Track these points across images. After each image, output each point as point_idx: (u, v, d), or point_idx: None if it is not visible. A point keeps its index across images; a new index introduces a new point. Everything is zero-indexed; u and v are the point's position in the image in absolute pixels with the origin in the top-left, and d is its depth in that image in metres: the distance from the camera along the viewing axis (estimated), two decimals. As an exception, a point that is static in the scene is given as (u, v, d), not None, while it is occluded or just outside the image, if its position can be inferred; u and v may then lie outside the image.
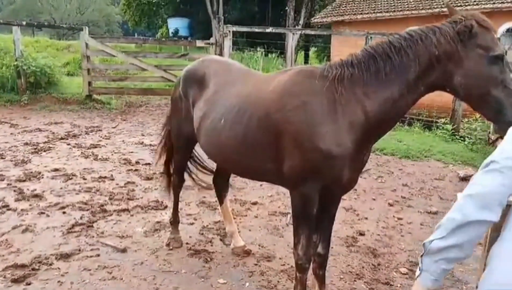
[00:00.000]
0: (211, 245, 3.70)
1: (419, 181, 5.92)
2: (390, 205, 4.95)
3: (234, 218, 3.88)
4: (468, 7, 14.46)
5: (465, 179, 5.93)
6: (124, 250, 3.51)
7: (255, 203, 4.68)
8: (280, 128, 2.37)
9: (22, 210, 4.21)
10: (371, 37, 8.65)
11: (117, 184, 5.11)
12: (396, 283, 3.27)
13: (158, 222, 4.09)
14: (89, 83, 10.67)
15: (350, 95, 2.23)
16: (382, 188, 5.55)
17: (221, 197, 3.68)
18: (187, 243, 3.69)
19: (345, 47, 15.20)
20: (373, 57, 2.20)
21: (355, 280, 3.27)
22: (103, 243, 3.60)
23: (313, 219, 2.47)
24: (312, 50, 28.94)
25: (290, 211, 2.72)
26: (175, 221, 3.71)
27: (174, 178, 3.69)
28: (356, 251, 3.74)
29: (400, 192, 5.43)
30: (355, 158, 2.31)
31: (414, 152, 7.27)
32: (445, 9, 14.98)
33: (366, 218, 4.48)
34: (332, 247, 3.49)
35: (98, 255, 3.42)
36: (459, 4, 14.81)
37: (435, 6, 15.34)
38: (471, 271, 3.45)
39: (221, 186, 3.67)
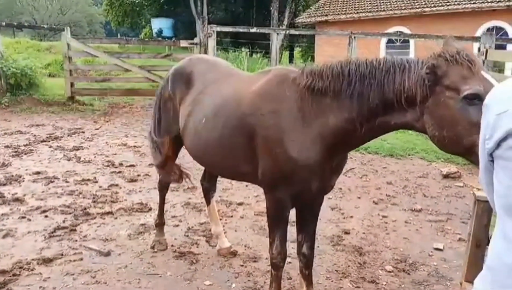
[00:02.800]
0: (197, 247, 3.67)
1: (403, 179, 5.97)
2: (375, 203, 4.98)
3: (220, 219, 3.86)
4: (450, 7, 14.68)
5: (448, 176, 6.01)
6: (108, 254, 3.46)
7: (241, 204, 4.67)
8: (253, 131, 2.40)
9: (2, 214, 4.12)
10: (354, 37, 8.71)
11: (100, 187, 5.04)
12: (381, 281, 3.29)
13: (142, 224, 4.05)
14: (71, 84, 10.51)
15: (318, 107, 2.22)
16: (366, 186, 5.59)
17: (208, 197, 3.65)
18: (172, 246, 3.65)
19: (329, 46, 15.31)
20: (342, 75, 2.15)
21: (341, 279, 3.28)
22: (86, 247, 3.54)
23: (287, 221, 2.54)
24: (297, 50, 29.06)
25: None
26: (160, 223, 3.67)
27: (161, 179, 3.65)
28: (342, 249, 3.75)
29: (385, 190, 5.46)
30: (323, 168, 2.32)
31: (398, 150, 7.34)
32: (427, 9, 15.22)
33: (351, 217, 4.51)
34: (318, 246, 3.50)
35: (81, 259, 3.36)
36: (440, 4, 15.03)
37: (417, 6, 15.55)
38: (455, 267, 3.49)
39: (208, 187, 3.65)
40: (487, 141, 1.20)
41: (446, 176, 6.09)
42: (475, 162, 1.61)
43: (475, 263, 2.42)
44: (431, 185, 5.74)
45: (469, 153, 1.74)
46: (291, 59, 25.78)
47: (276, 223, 2.52)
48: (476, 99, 1.66)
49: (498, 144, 1.15)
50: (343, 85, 2.13)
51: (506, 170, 1.16)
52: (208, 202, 3.65)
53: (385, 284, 3.25)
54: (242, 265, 3.39)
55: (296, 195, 2.42)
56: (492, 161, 1.23)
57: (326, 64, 2.26)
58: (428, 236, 4.13)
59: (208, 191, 3.64)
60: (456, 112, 1.73)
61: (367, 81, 2.05)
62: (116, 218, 4.19)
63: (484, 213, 2.46)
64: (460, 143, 1.76)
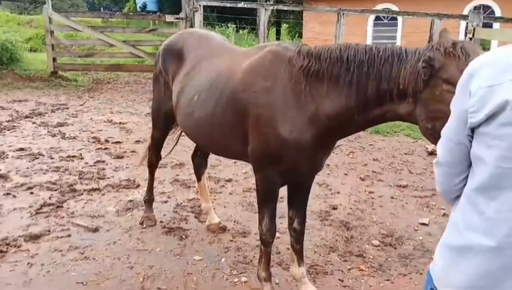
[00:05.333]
0: (186, 223, 3.67)
1: (389, 156, 6.03)
2: (362, 179, 5.03)
3: (209, 195, 3.85)
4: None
5: (433, 153, 6.08)
6: (96, 230, 3.44)
7: (229, 180, 4.67)
8: (245, 109, 2.37)
9: (-14, 191, 4.05)
10: (343, 13, 8.63)
11: (86, 163, 4.98)
12: (368, 255, 3.35)
13: (130, 201, 4.02)
14: (54, 59, 10.25)
15: (313, 90, 2.18)
16: (353, 163, 5.63)
17: (199, 174, 3.63)
18: (161, 221, 3.65)
19: (317, 23, 15.14)
20: (340, 61, 2.10)
21: (329, 253, 3.33)
22: (74, 223, 3.52)
23: (276, 198, 2.55)
24: (284, 26, 28.71)
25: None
26: (149, 199, 3.66)
27: (151, 155, 3.62)
28: (329, 224, 3.80)
29: (371, 166, 5.52)
30: (314, 150, 2.31)
31: (384, 127, 7.38)
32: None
33: (339, 193, 4.55)
34: (306, 222, 3.53)
35: (69, 236, 3.34)
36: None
37: (406, -18, 15.41)
38: (440, 241, 3.56)
39: (199, 163, 3.62)
40: (471, 115, 1.12)
41: (431, 153, 6.17)
42: None
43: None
44: (417, 162, 5.82)
45: None
46: (278, 35, 25.49)
47: (265, 200, 2.53)
48: None
49: (487, 119, 1.09)
50: (341, 71, 2.09)
51: (494, 149, 1.10)
52: (199, 178, 3.63)
53: (372, 258, 3.31)
54: (231, 240, 3.41)
55: (286, 174, 2.42)
56: (471, 136, 1.17)
57: (324, 47, 2.21)
58: (413, 211, 4.20)
59: (200, 167, 3.62)
60: None
61: (365, 69, 2.01)
62: (103, 194, 4.15)
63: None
64: None
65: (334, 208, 4.13)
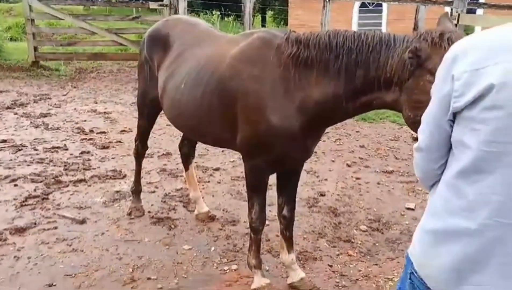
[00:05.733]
0: (174, 213, 3.66)
1: (375, 142, 6.07)
2: (348, 166, 5.06)
3: (197, 185, 3.84)
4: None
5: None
6: (83, 221, 3.41)
7: (217, 169, 4.65)
8: (233, 97, 2.35)
9: (-32, 184, 3.97)
10: (329, 0, 8.58)
11: (71, 154, 4.90)
12: (356, 240, 3.38)
13: (117, 191, 3.98)
14: (35, 49, 9.99)
15: (302, 77, 2.18)
16: (340, 150, 5.66)
17: (186, 163, 3.60)
18: (149, 212, 3.63)
19: (303, 10, 15.06)
20: (329, 48, 2.09)
21: (317, 239, 3.36)
22: (60, 215, 3.48)
23: (266, 187, 2.56)
24: (269, 13, 28.52)
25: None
26: (136, 190, 3.62)
27: (137, 145, 3.58)
28: (318, 211, 3.83)
29: (358, 153, 5.55)
30: (303, 138, 2.31)
31: (370, 114, 7.39)
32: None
33: (326, 179, 4.58)
34: (295, 209, 3.55)
35: (56, 228, 3.30)
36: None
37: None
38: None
39: (187, 153, 3.59)
40: (455, 99, 1.11)
41: (416, 139, 6.18)
42: None
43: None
44: (402, 148, 5.87)
45: None
46: (263, 23, 25.32)
47: (255, 189, 2.53)
48: None
49: (472, 103, 1.08)
50: (330, 58, 2.08)
51: (478, 134, 1.09)
52: (186, 168, 3.60)
53: (360, 243, 3.35)
54: (220, 229, 3.41)
55: (275, 163, 2.42)
56: (452, 121, 1.16)
57: (313, 34, 2.20)
58: (400, 196, 4.25)
59: (187, 157, 3.59)
60: None
61: (354, 56, 2.01)
62: (89, 185, 4.10)
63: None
64: None
65: (322, 195, 4.16)
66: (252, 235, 2.65)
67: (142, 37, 3.32)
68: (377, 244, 3.36)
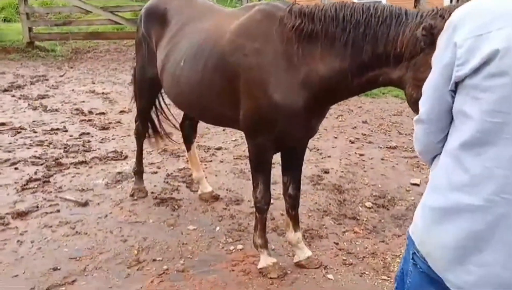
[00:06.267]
0: (178, 193, 3.62)
1: (378, 117, 6.00)
2: (352, 142, 5.01)
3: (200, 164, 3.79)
4: None
5: (422, 113, 6.07)
6: (86, 204, 3.37)
7: (219, 148, 4.60)
8: (235, 73, 2.27)
9: (-32, 168, 3.92)
10: (328, -28, 8.35)
11: (71, 136, 4.84)
12: (362, 217, 3.36)
13: (119, 173, 3.94)
14: (30, 29, 9.81)
15: (306, 52, 2.09)
16: (342, 126, 5.60)
17: (188, 143, 3.54)
18: (152, 193, 3.59)
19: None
20: (336, 21, 2.00)
21: (322, 217, 3.33)
22: (63, 198, 3.44)
23: (270, 165, 2.50)
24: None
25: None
26: (139, 171, 3.58)
27: (138, 126, 3.52)
28: (322, 188, 3.79)
29: (360, 129, 5.49)
30: (307, 115, 2.25)
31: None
32: None
33: (329, 156, 4.53)
34: (300, 187, 3.51)
35: (58, 211, 3.27)
36: None
37: None
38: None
39: (188, 132, 3.53)
40: (458, 68, 1.07)
41: (420, 114, 6.16)
42: None
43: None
44: (405, 123, 5.80)
45: None
46: (260, -3, 24.80)
47: (259, 167, 2.48)
48: None
49: (475, 71, 1.03)
50: (336, 32, 1.99)
51: (481, 103, 1.04)
52: (188, 148, 3.55)
53: (366, 220, 3.32)
54: (225, 209, 3.38)
55: (279, 141, 2.36)
56: (454, 91, 1.12)
57: (317, 6, 2.11)
58: (404, 172, 4.21)
59: (189, 137, 3.53)
60: None
61: (362, 29, 1.92)
62: (91, 167, 4.06)
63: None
64: None
65: (326, 172, 4.12)
66: (257, 215, 2.61)
67: (138, 15, 3.20)
68: (382, 221, 3.33)
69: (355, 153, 4.67)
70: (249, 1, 8.70)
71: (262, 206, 2.54)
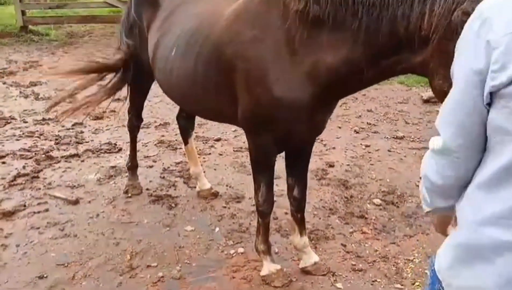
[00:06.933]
0: (175, 189, 3.42)
1: (383, 105, 5.78)
2: (356, 132, 4.81)
3: (198, 157, 3.57)
4: None
5: (429, 101, 5.85)
6: (76, 202, 3.18)
7: (218, 140, 4.38)
8: (232, 64, 2.04)
9: (-48, 162, 3.72)
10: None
11: (63, 126, 4.62)
12: (370, 215, 3.16)
13: (112, 167, 3.74)
14: (23, 13, 9.51)
15: (312, 39, 1.84)
16: (347, 115, 5.38)
17: (186, 136, 3.32)
18: (147, 189, 3.39)
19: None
20: (345, 3, 1.73)
21: (329, 216, 3.14)
22: (52, 196, 3.25)
23: (273, 166, 2.28)
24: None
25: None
26: (132, 165, 3.38)
27: (131, 118, 3.33)
28: (327, 184, 3.59)
29: (365, 118, 5.29)
30: (314, 112, 2.02)
31: (377, 75, 7.09)
32: None
33: (334, 148, 4.33)
34: (307, 189, 3.33)
35: (47, 210, 3.07)
36: None
37: None
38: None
39: (185, 124, 3.31)
40: (493, 74, 0.84)
41: (426, 101, 5.93)
42: None
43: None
44: (412, 111, 5.59)
45: None
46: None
47: (260, 168, 2.26)
48: None
49: None
50: (346, 16, 1.73)
51: None
52: (185, 141, 3.33)
53: (374, 219, 3.13)
54: (224, 207, 3.18)
55: (282, 140, 2.14)
56: (489, 104, 0.88)
57: None
58: (413, 165, 4.01)
59: (186, 130, 3.30)
60: None
61: (377, 12, 1.65)
62: (83, 161, 3.86)
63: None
64: None
65: (331, 166, 3.91)
66: (259, 219, 2.41)
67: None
68: (392, 219, 3.13)
69: (361, 144, 4.47)
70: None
71: (264, 210, 2.34)
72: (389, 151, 4.33)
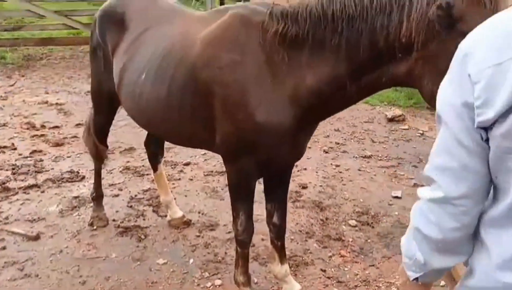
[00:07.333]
0: (144, 219, 3.25)
1: (350, 125, 5.86)
2: (326, 152, 4.83)
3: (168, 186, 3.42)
4: None
5: (393, 120, 5.99)
6: (36, 238, 2.96)
7: (187, 164, 4.24)
8: (208, 89, 1.96)
9: None
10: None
11: (20, 155, 4.35)
12: (347, 237, 3.13)
13: (75, 197, 3.52)
14: (-25, 35, 9.10)
15: (292, 61, 1.81)
16: (315, 135, 5.30)
17: (154, 162, 3.18)
18: (114, 220, 3.21)
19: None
20: (324, 19, 1.70)
21: (306, 240, 3.08)
22: (9, 231, 3.02)
23: (253, 193, 2.21)
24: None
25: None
26: (97, 195, 3.19)
27: (94, 145, 3.13)
28: (302, 206, 3.55)
29: (334, 137, 5.32)
30: (296, 135, 1.98)
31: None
32: None
33: (305, 169, 4.31)
34: (286, 215, 3.26)
35: (4, 248, 2.85)
36: None
37: None
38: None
39: (154, 151, 3.17)
40: (479, 111, 0.79)
41: (391, 120, 6.06)
42: None
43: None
44: (378, 130, 5.69)
45: None
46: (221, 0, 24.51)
47: (239, 196, 2.17)
48: None
49: (505, 114, 0.76)
50: (326, 32, 1.69)
51: None
52: (155, 168, 3.18)
53: (352, 241, 3.09)
54: (198, 236, 3.05)
55: (263, 165, 2.07)
56: (487, 141, 0.83)
57: (301, 3, 1.79)
58: (383, 183, 4.04)
59: (155, 156, 3.17)
60: None
61: (357, 25, 1.61)
62: (43, 191, 3.62)
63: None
64: None
65: (304, 187, 3.88)
66: (238, 249, 2.30)
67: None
68: (369, 241, 3.11)
69: (331, 164, 4.48)
70: (213, 2, 8.38)
71: (244, 240, 2.24)
72: (359, 170, 4.35)
